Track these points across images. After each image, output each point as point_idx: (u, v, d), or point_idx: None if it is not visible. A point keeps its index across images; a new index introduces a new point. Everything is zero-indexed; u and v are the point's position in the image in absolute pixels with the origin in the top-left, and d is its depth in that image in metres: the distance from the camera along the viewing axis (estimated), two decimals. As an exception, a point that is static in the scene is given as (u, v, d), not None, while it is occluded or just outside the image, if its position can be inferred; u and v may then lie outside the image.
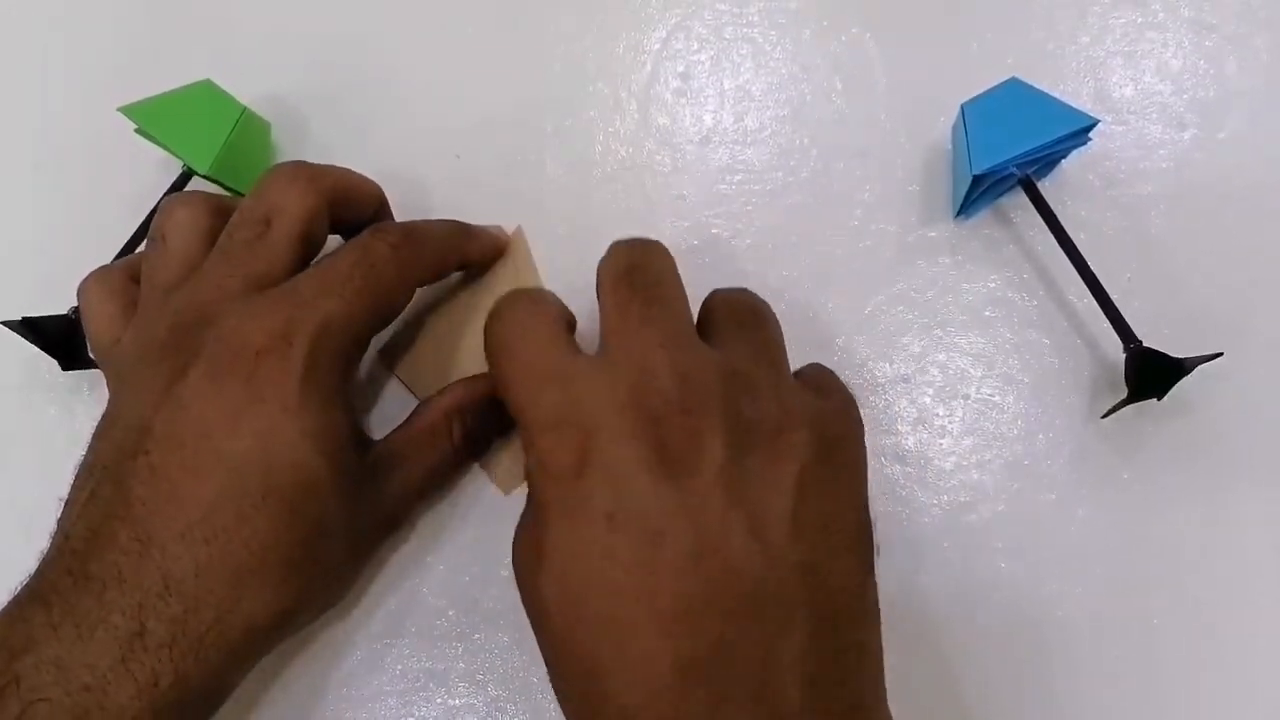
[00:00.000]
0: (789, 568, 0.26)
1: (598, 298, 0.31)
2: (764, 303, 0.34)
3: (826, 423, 0.30)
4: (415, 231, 0.35)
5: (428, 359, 0.38)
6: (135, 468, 0.29)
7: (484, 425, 0.36)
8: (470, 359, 0.38)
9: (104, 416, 0.31)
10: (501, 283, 0.39)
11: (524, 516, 0.31)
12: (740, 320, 0.32)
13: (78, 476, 0.31)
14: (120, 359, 0.33)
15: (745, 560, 0.26)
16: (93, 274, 0.35)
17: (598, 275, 0.32)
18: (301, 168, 0.34)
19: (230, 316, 0.30)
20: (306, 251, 0.33)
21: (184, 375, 0.29)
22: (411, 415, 0.35)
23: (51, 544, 0.30)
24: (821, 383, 0.33)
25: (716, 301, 0.33)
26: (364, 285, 0.32)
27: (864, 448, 0.31)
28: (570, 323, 0.33)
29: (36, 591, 0.29)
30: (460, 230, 0.37)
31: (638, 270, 0.31)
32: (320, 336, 0.30)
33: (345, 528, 0.31)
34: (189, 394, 0.29)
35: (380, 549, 0.37)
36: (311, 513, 0.29)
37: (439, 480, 0.36)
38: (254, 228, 0.32)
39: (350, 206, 0.35)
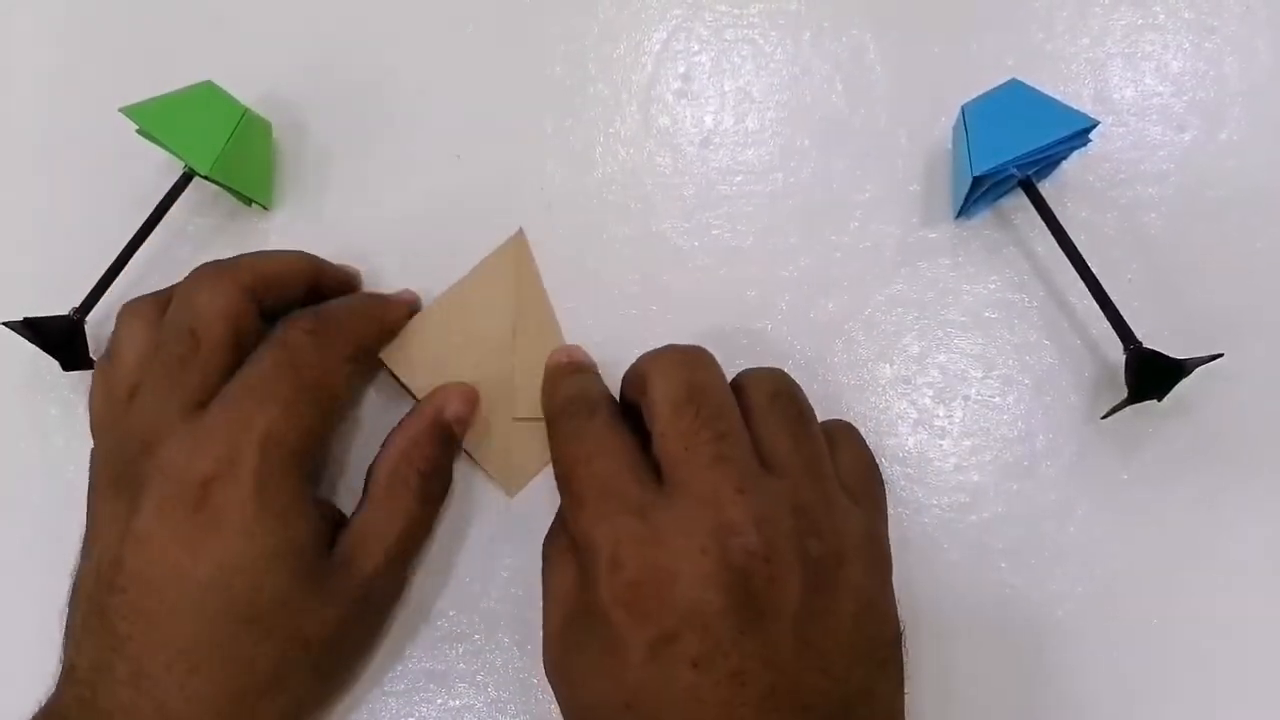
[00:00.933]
0: (852, 695, 0.28)
1: (648, 410, 0.31)
2: (796, 385, 0.33)
3: (873, 541, 0.31)
4: (328, 313, 0.35)
5: (423, 357, 0.38)
6: (115, 605, 0.30)
7: (439, 459, 0.36)
8: (464, 358, 0.38)
9: (87, 521, 0.33)
10: (499, 282, 0.39)
11: (579, 635, 0.30)
12: (782, 410, 0.32)
13: (72, 593, 0.33)
14: (92, 467, 0.34)
15: (817, 696, 0.27)
16: (129, 310, 0.36)
17: (650, 387, 0.31)
18: (219, 269, 0.34)
19: (171, 446, 0.31)
20: (239, 354, 0.33)
21: (138, 509, 0.30)
22: (366, 484, 0.35)
23: (61, 670, 0.32)
24: (852, 464, 0.33)
25: (751, 383, 0.33)
26: (294, 382, 0.32)
27: (887, 540, 0.33)
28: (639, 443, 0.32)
29: (56, 714, 0.31)
30: (374, 301, 0.38)
31: (701, 396, 0.30)
32: (265, 451, 0.31)
33: (331, 627, 0.32)
34: (146, 529, 0.30)
35: (389, 618, 0.37)
36: (287, 627, 0.31)
37: (418, 535, 0.36)
38: (183, 342, 0.32)
39: (276, 291, 0.35)
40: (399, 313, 0.38)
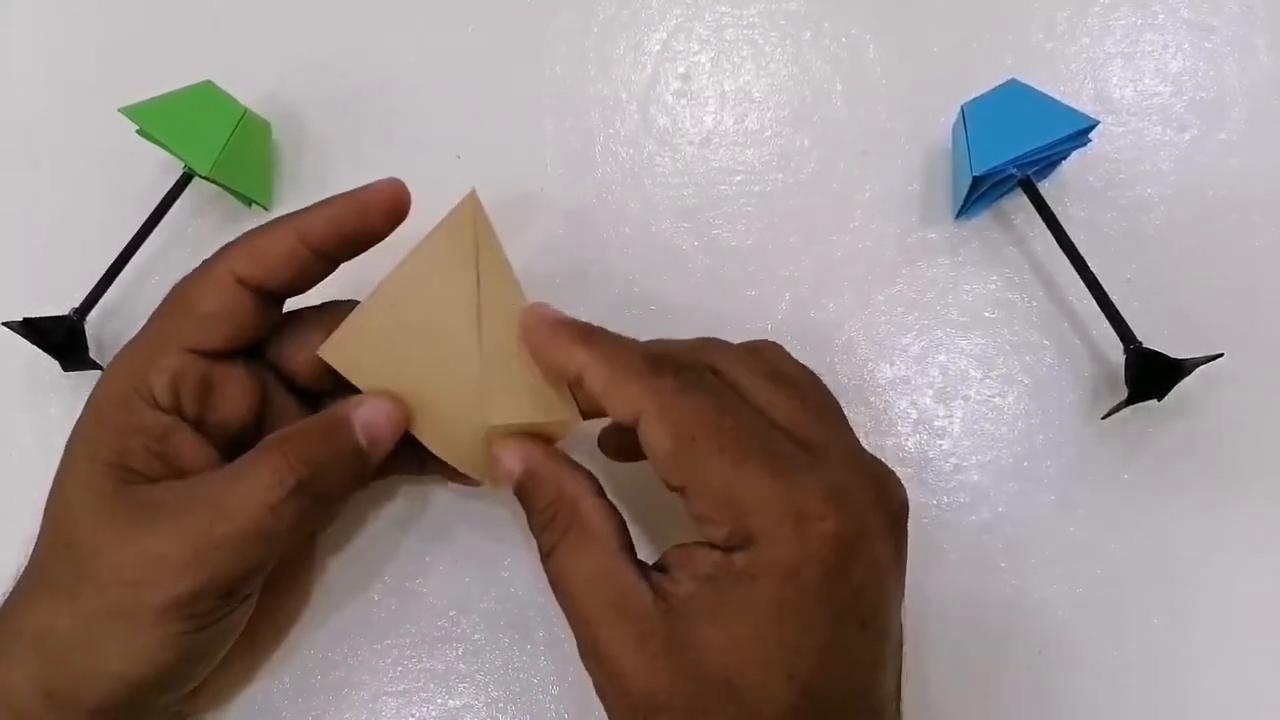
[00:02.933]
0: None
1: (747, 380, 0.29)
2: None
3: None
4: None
5: (372, 353, 0.31)
6: None
7: (323, 470, 0.29)
8: (420, 351, 0.31)
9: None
10: (455, 255, 0.31)
11: (720, 604, 0.26)
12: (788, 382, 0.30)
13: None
14: None
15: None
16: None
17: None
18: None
19: None
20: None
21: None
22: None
23: None
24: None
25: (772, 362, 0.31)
26: None
27: None
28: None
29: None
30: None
31: (778, 368, 0.30)
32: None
33: (100, 566, 0.28)
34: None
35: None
36: (63, 535, 0.29)
37: (246, 538, 0.28)
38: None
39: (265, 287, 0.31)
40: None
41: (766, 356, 0.31)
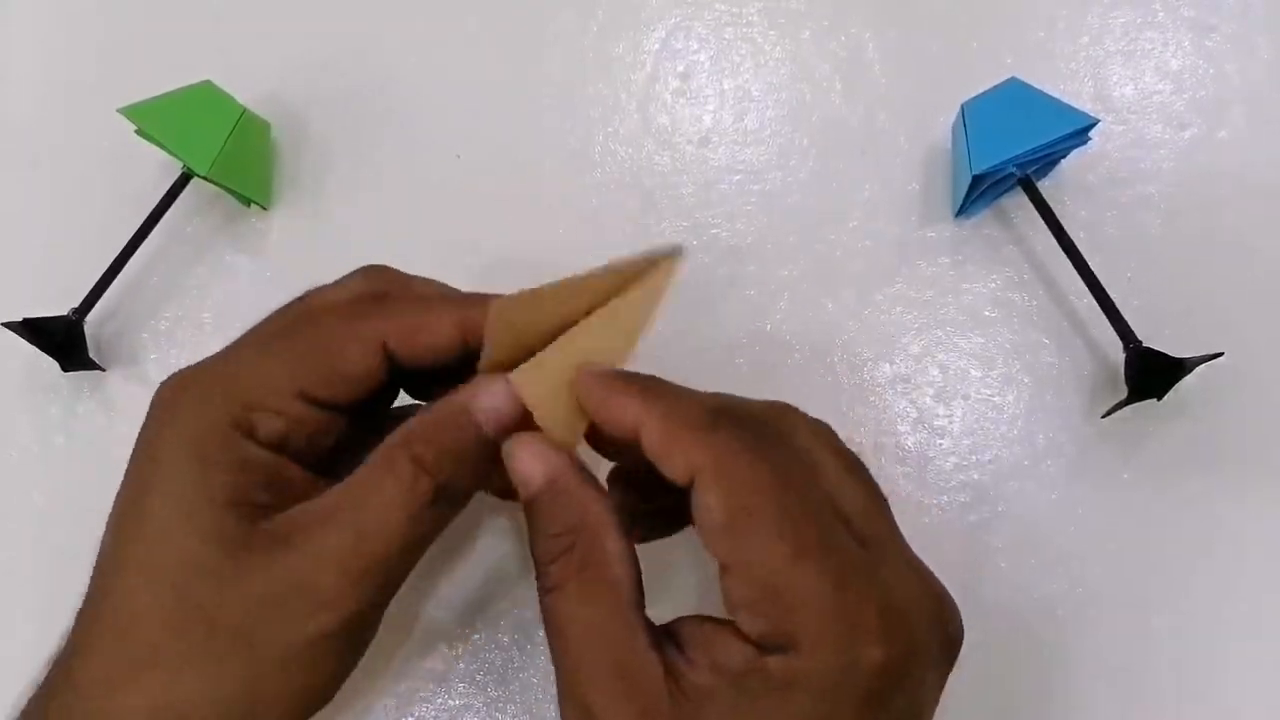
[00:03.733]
0: None
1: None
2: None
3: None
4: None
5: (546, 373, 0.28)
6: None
7: (450, 458, 0.27)
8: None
9: None
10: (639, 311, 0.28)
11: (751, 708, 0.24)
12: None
13: None
14: None
15: None
16: None
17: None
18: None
19: None
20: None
21: None
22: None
23: None
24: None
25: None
26: None
27: None
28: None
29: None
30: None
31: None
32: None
33: (237, 608, 0.25)
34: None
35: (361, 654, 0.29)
36: (193, 595, 0.25)
37: (389, 543, 0.26)
38: None
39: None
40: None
41: (833, 434, 0.28)
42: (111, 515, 0.27)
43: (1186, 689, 0.36)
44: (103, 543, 0.27)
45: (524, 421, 0.27)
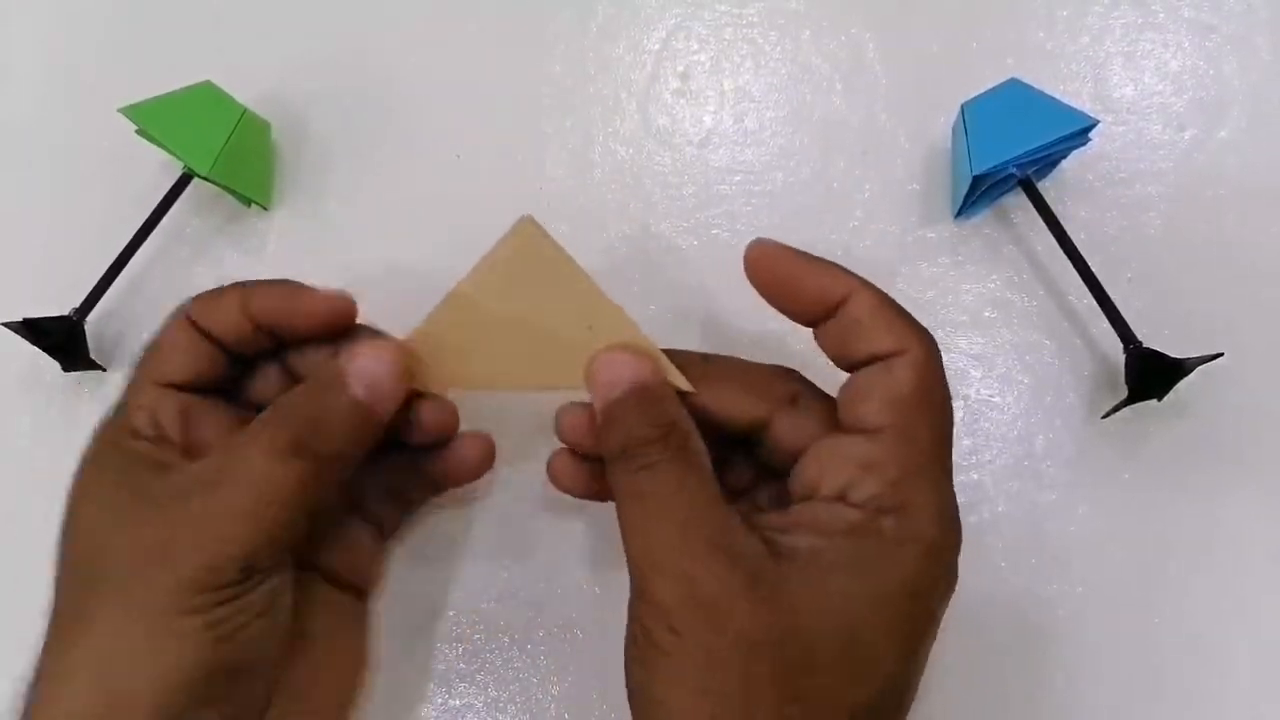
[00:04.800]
0: None
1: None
2: None
3: None
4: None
5: (442, 364, 0.31)
6: None
7: (315, 408, 0.29)
8: (493, 370, 0.31)
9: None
10: (528, 282, 0.31)
11: None
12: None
13: None
14: None
15: None
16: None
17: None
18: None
19: None
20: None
21: None
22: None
23: None
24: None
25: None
26: None
27: None
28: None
29: None
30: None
31: None
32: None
33: (123, 565, 0.27)
34: None
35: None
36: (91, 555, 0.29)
37: (263, 492, 0.27)
38: None
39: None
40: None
41: None
42: None
43: (1187, 689, 0.36)
44: None
45: (403, 387, 0.30)
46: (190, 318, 0.31)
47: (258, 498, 0.27)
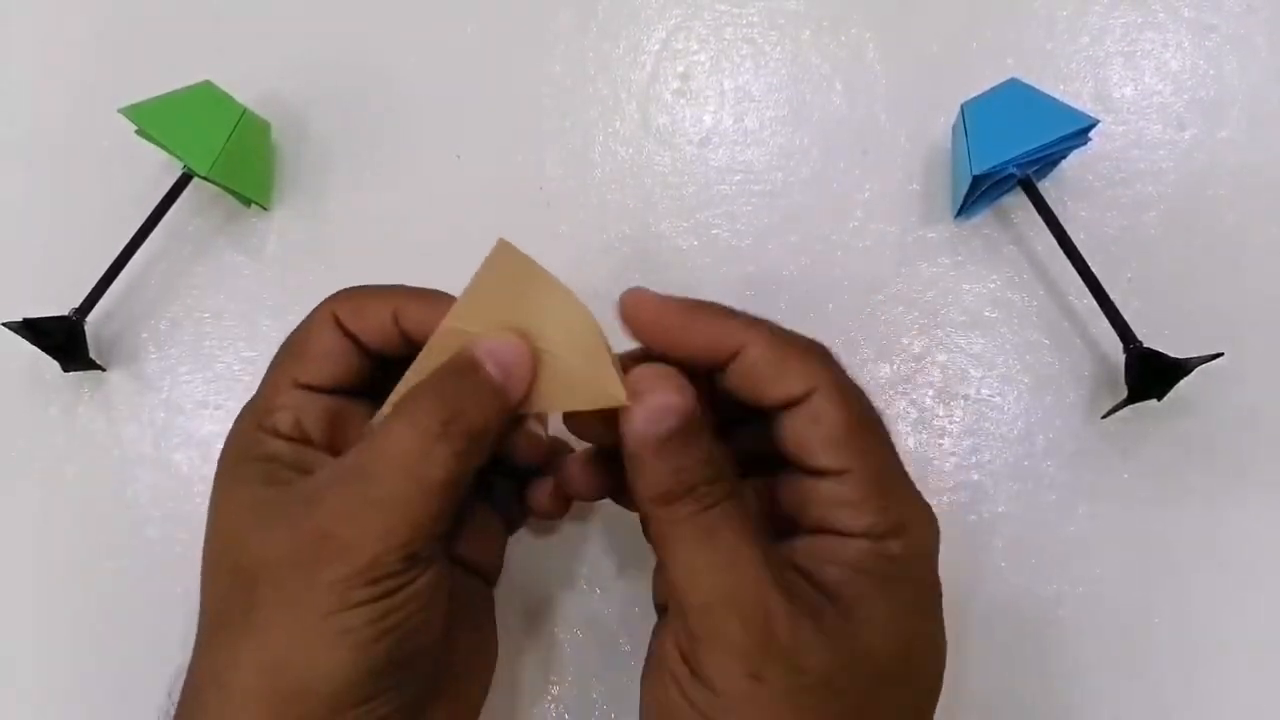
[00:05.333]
0: None
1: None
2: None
3: None
4: None
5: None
6: None
7: (464, 400, 0.28)
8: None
9: None
10: (514, 304, 0.30)
11: None
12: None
13: None
14: None
15: None
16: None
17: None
18: None
19: None
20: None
21: None
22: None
23: None
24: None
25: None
26: None
27: None
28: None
29: None
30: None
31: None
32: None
33: (272, 568, 0.27)
34: None
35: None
36: (234, 555, 0.28)
37: (406, 490, 0.27)
38: None
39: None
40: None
41: None
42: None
43: (1187, 688, 0.36)
44: None
45: (526, 363, 0.29)
46: (338, 320, 0.31)
47: (415, 483, 0.27)
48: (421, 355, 0.30)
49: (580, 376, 0.29)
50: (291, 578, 0.26)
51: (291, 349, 0.31)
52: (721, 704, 0.25)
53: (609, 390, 0.28)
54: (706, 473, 0.26)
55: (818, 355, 0.28)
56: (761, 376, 0.27)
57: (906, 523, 0.27)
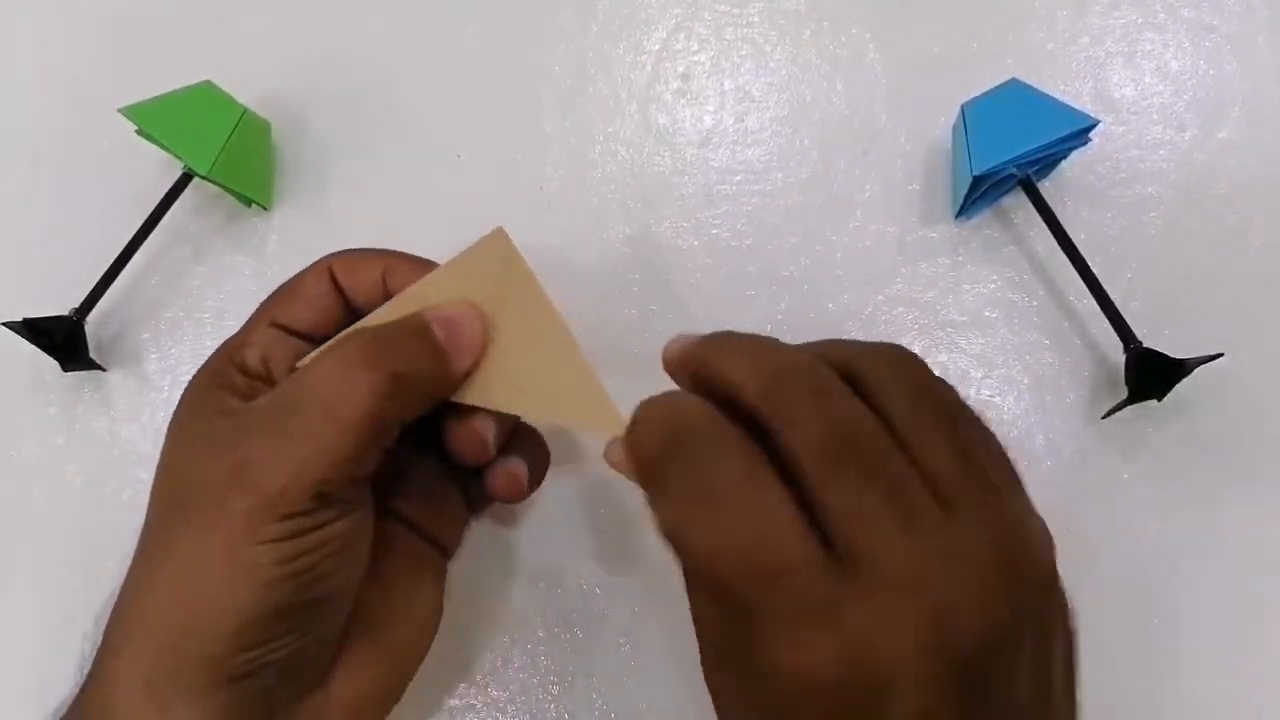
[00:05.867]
0: None
1: (789, 457, 0.24)
2: (922, 363, 0.28)
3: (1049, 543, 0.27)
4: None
5: None
6: None
7: (407, 351, 0.28)
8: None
9: None
10: (486, 292, 0.30)
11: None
12: (931, 413, 0.26)
13: None
14: None
15: None
16: None
17: (787, 428, 0.24)
18: None
19: None
20: None
21: None
22: None
23: None
24: (985, 442, 0.27)
25: (870, 374, 0.26)
26: None
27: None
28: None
29: None
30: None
31: (856, 437, 0.24)
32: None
33: (216, 482, 0.27)
34: None
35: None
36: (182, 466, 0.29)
37: (341, 422, 0.27)
38: None
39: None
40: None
41: (918, 373, 0.27)
42: None
43: (1187, 688, 0.36)
44: None
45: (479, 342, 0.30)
46: (330, 266, 0.31)
47: (333, 417, 0.27)
48: (377, 310, 0.30)
49: (538, 385, 0.30)
50: (208, 504, 0.27)
51: (278, 292, 0.32)
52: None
53: (604, 415, 0.28)
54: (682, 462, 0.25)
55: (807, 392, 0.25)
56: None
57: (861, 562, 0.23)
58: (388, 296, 0.31)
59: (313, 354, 0.29)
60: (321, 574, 0.27)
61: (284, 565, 0.26)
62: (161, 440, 0.29)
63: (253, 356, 0.30)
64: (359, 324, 0.30)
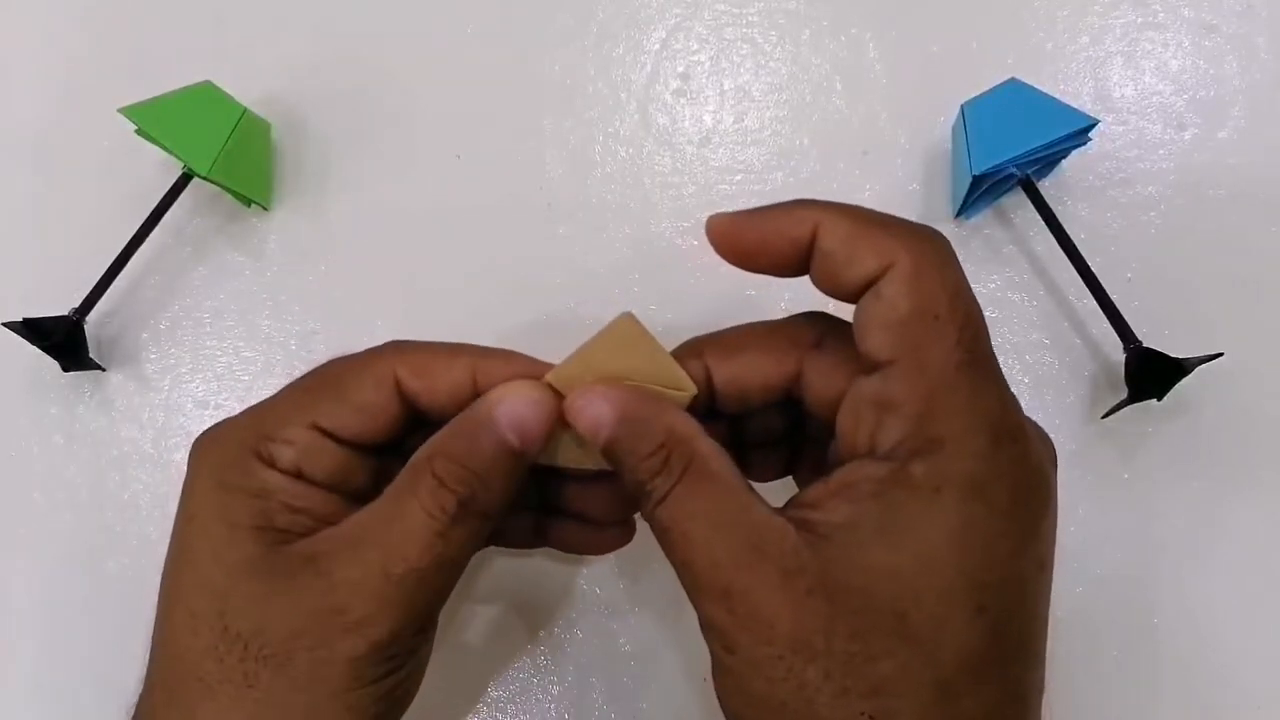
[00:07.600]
0: None
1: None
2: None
3: None
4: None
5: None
6: None
7: (476, 469, 0.26)
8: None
9: None
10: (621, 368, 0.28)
11: None
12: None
13: None
14: None
15: None
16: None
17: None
18: None
19: None
20: None
21: None
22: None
23: None
24: None
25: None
26: None
27: None
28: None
29: None
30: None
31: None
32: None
33: (273, 641, 0.25)
34: None
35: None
36: (227, 622, 0.25)
37: (420, 559, 0.25)
38: None
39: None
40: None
41: None
42: (166, 556, 0.28)
43: (1187, 688, 0.36)
44: (161, 582, 0.28)
45: (547, 427, 0.27)
46: (398, 373, 0.28)
47: (431, 564, 0.25)
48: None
49: None
50: (300, 655, 0.25)
51: (327, 383, 0.28)
52: (717, 677, 0.24)
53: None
54: (652, 466, 0.25)
55: (907, 232, 0.24)
56: (839, 258, 0.24)
57: (945, 446, 0.23)
58: (476, 395, 0.27)
59: (403, 489, 0.26)
60: (411, 686, 0.27)
61: (385, 699, 0.26)
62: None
63: (285, 458, 0.27)
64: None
